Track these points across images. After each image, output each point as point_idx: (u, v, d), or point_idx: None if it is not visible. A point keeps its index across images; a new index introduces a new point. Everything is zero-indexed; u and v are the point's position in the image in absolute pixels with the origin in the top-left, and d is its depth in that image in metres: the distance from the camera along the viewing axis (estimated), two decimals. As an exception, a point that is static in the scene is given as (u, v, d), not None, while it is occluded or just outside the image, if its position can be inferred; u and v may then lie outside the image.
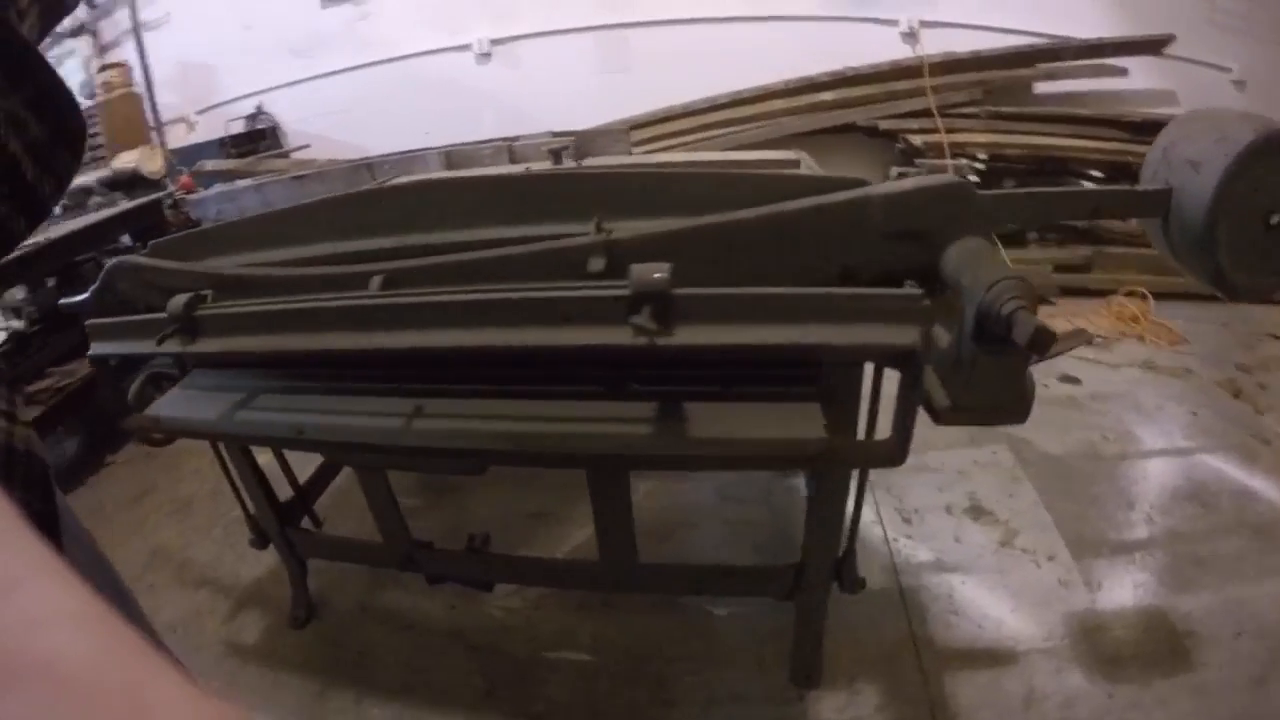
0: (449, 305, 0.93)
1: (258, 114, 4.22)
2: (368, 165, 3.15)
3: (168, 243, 1.34)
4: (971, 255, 0.92)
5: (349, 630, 1.81)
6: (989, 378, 0.91)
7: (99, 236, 2.76)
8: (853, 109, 3.10)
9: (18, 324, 2.56)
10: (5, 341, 2.44)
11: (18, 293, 2.54)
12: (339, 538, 1.80)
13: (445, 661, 1.67)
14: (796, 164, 1.74)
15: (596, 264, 0.94)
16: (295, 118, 4.25)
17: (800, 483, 2.10)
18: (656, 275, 0.78)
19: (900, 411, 0.99)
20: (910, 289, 0.87)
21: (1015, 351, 0.84)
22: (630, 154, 2.83)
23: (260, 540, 1.76)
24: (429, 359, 1.08)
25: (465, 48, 3.67)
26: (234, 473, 1.64)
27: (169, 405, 1.31)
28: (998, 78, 2.97)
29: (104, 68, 3.81)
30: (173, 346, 1.13)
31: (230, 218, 2.91)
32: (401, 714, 1.56)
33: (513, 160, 2.29)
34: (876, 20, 3.12)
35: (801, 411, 0.98)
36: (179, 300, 1.13)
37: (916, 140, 2.88)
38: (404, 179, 1.91)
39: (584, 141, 2.36)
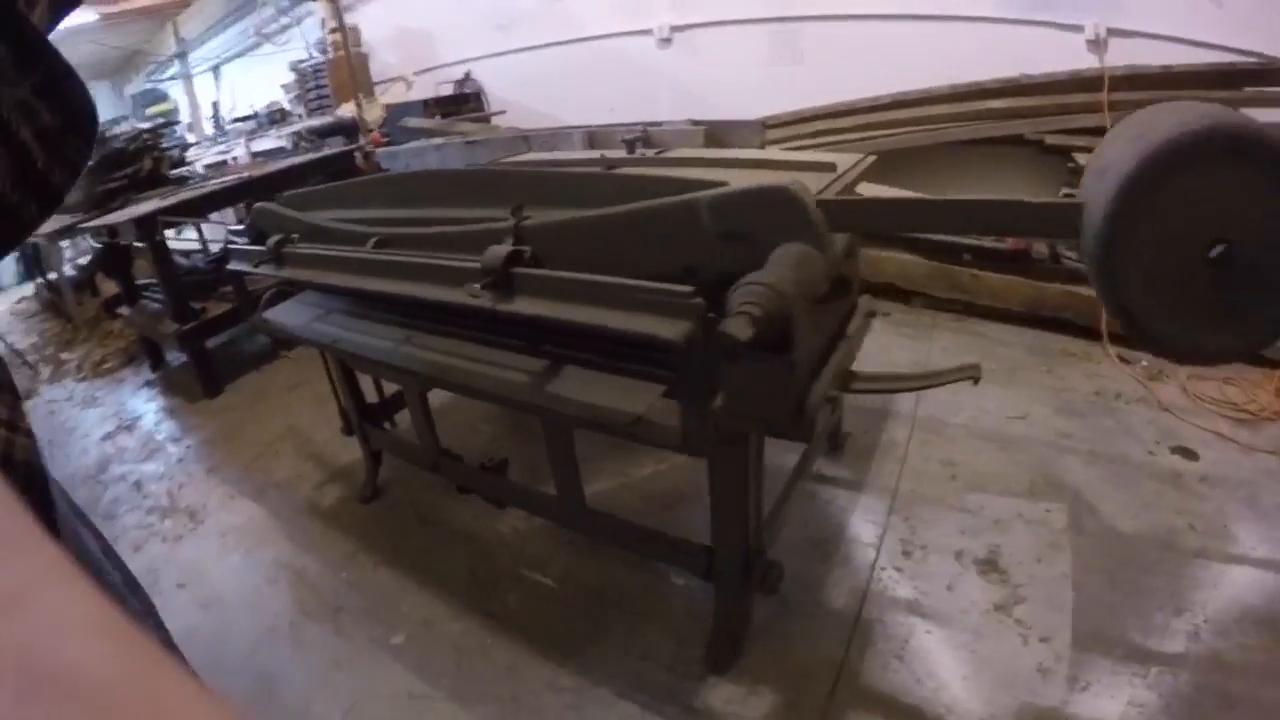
0: (402, 264, 1.32)
1: (466, 79, 5.06)
2: (524, 137, 3.70)
3: (293, 195, 1.92)
4: (776, 259, 0.97)
5: (394, 516, 2.41)
6: (754, 383, 1.01)
7: (298, 176, 3.65)
8: (1021, 120, 2.90)
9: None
10: (218, 252, 3.36)
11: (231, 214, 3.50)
12: (396, 436, 2.36)
13: (449, 553, 2.18)
14: (832, 167, 1.76)
15: (507, 242, 1.26)
16: (498, 85, 5.03)
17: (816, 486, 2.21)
18: (498, 255, 1.08)
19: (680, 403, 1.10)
20: (680, 287, 1.01)
21: (772, 359, 0.95)
22: (759, 146, 3.01)
23: (346, 428, 2.39)
24: (409, 301, 1.48)
25: (648, 32, 4.07)
26: (333, 372, 2.25)
27: (276, 312, 1.91)
28: (1192, 98, 2.56)
29: (334, 30, 4.86)
30: (266, 270, 1.68)
31: (413, 167, 3.68)
32: (401, 579, 2.10)
33: (592, 145, 2.63)
34: (1058, 25, 2.87)
35: (643, 390, 1.19)
36: (275, 239, 1.68)
37: (1085, 160, 2.63)
38: (413, 169, 2.29)
39: (712, 132, 2.63)
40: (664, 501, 2.25)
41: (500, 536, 2.22)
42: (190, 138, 7.58)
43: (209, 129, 7.70)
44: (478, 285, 1.10)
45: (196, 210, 3.21)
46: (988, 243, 3.08)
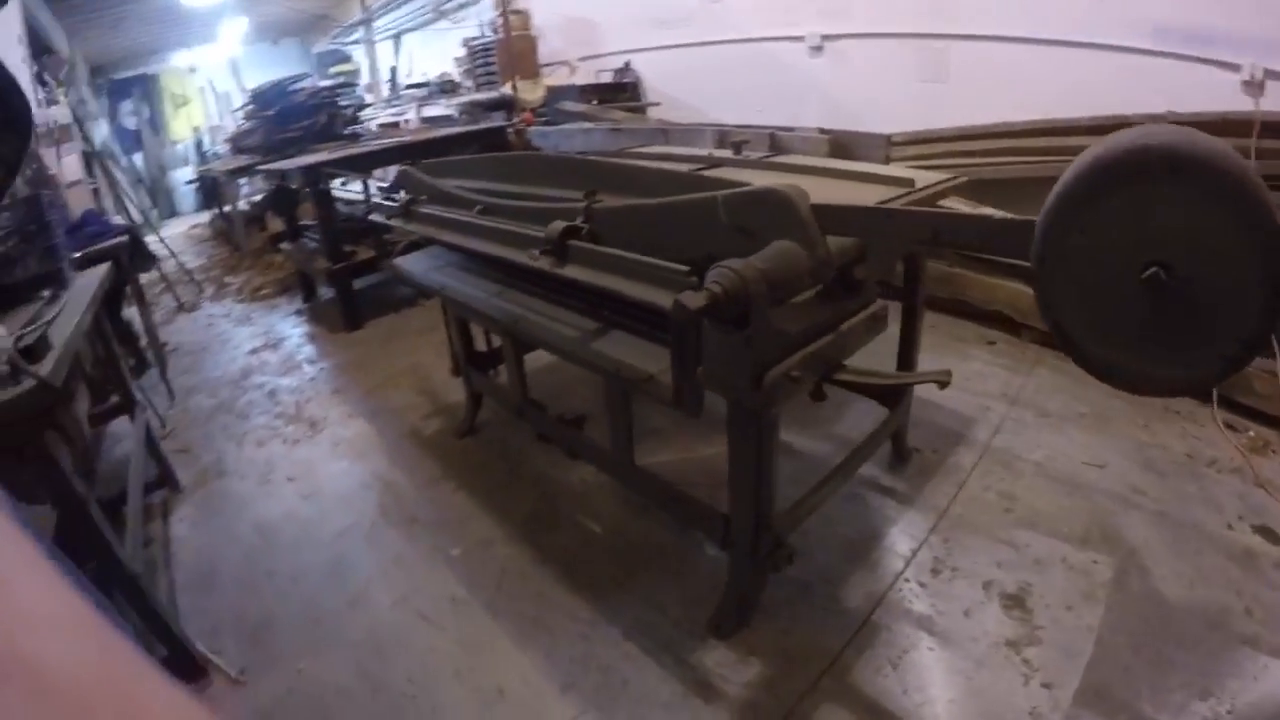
0: (492, 228, 1.63)
1: (625, 69, 5.41)
2: (663, 130, 3.99)
3: (431, 163, 2.30)
4: (762, 251, 1.12)
5: (481, 451, 2.80)
6: (722, 353, 1.17)
7: (452, 145, 4.14)
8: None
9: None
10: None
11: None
12: (495, 383, 2.72)
13: (519, 490, 2.54)
14: (910, 183, 1.83)
15: (578, 219, 1.52)
16: (655, 77, 5.34)
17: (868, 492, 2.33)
18: (557, 228, 1.35)
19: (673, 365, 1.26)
20: (679, 267, 1.22)
21: (734, 333, 1.11)
22: (883, 160, 3.10)
23: (455, 369, 2.79)
24: (499, 260, 1.79)
25: (800, 39, 4.21)
26: (449, 319, 2.64)
27: (404, 260, 2.30)
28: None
29: (504, 11, 5.35)
30: (397, 223, 2.07)
31: (561, 148, 4.08)
32: (473, 504, 2.48)
33: (722, 144, 2.84)
34: (1214, 63, 2.71)
35: (660, 354, 1.41)
36: (405, 197, 2.05)
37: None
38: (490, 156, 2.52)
39: (837, 142, 2.82)
40: (719, 479, 2.44)
41: (567, 484, 2.53)
42: (369, 98, 8.57)
43: (386, 92, 8.66)
44: (538, 251, 1.38)
45: (357, 166, 3.77)
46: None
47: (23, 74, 4.79)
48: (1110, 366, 0.99)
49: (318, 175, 3.57)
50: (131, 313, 3.72)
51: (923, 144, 3.52)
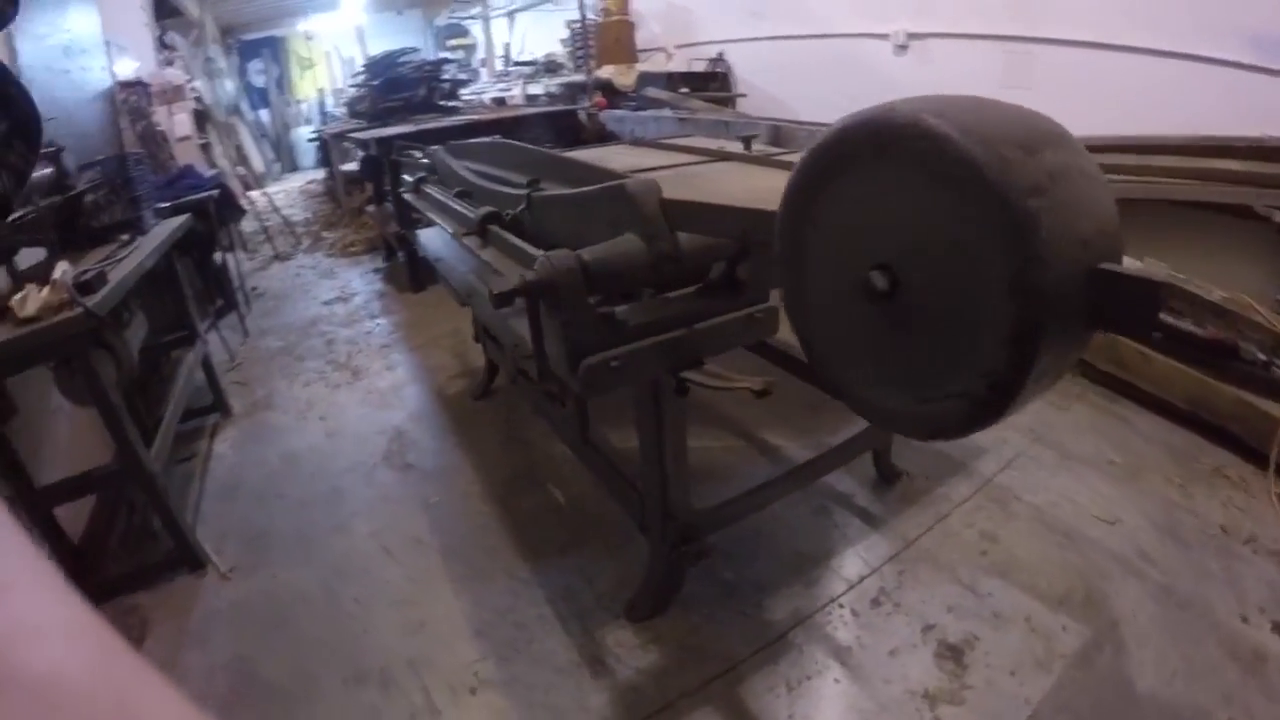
0: (450, 208, 1.90)
1: (718, 59, 5.57)
2: (725, 122, 4.14)
3: (454, 144, 2.60)
4: (602, 244, 1.27)
5: (488, 414, 3.15)
6: (550, 335, 1.32)
7: (523, 125, 4.47)
8: (1252, 189, 2.59)
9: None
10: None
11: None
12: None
13: (507, 454, 2.87)
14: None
15: (522, 205, 1.76)
16: (745, 69, 5.47)
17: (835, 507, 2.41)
18: (480, 213, 1.60)
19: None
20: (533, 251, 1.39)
21: (553, 317, 1.27)
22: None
23: (475, 335, 3.13)
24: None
25: (885, 37, 4.21)
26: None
27: (423, 232, 2.62)
28: None
29: None
30: (409, 198, 2.39)
31: (635, 134, 4.34)
32: (465, 459, 2.83)
33: (778, 141, 3.00)
34: None
35: None
36: (418, 175, 2.37)
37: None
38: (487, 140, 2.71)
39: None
40: (697, 475, 2.61)
41: (549, 455, 2.78)
42: (483, 73, 9.21)
43: (499, 67, 9.25)
44: (464, 231, 1.63)
45: (428, 140, 4.18)
46: (1186, 324, 2.83)
47: (144, 38, 5.64)
48: (841, 387, 0.90)
49: (389, 147, 4.01)
50: (227, 259, 4.36)
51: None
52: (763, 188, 1.37)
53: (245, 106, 10.69)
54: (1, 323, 1.80)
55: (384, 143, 4.07)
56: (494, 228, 1.64)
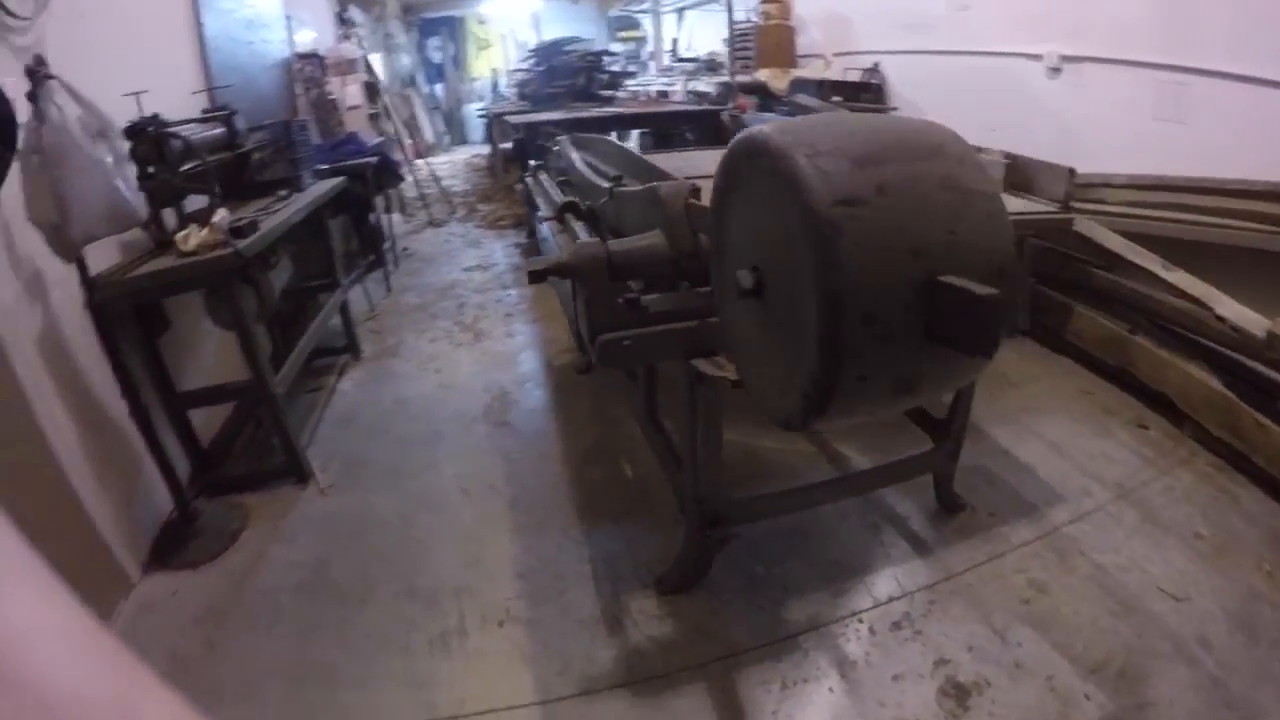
0: (545, 196, 2.14)
1: (873, 70, 5.49)
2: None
3: (576, 136, 2.83)
4: (630, 237, 1.44)
5: (586, 386, 3.42)
6: (579, 311, 1.51)
7: (666, 121, 4.65)
8: None
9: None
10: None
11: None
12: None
13: (593, 425, 3.11)
14: None
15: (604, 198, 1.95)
16: (900, 81, 5.37)
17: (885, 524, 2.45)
18: (560, 202, 1.81)
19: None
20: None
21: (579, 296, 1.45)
22: (1062, 197, 3.00)
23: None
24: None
25: (1038, 58, 4.03)
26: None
27: (538, 215, 2.89)
28: None
29: (767, 1, 5.70)
30: (529, 181, 2.66)
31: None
32: (555, 425, 3.13)
33: None
34: None
35: None
36: (534, 162, 2.63)
37: None
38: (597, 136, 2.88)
39: (1015, 167, 2.95)
40: (739, 472, 2.73)
41: (628, 433, 2.94)
42: (651, 66, 9.51)
43: (665, 62, 9.51)
44: (547, 216, 1.86)
45: (571, 128, 4.49)
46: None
47: (325, 13, 6.29)
48: (742, 376, 1.00)
49: (535, 130, 4.35)
50: (382, 220, 4.90)
51: (1138, 189, 3.27)
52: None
53: (421, 80, 11.66)
54: (166, 254, 2.26)
55: (531, 126, 4.42)
56: (569, 216, 1.86)
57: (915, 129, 0.85)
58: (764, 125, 0.87)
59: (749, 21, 6.54)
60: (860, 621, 2.02)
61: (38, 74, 1.72)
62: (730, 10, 5.92)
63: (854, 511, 2.48)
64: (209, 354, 2.89)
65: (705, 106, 5.21)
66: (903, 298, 0.71)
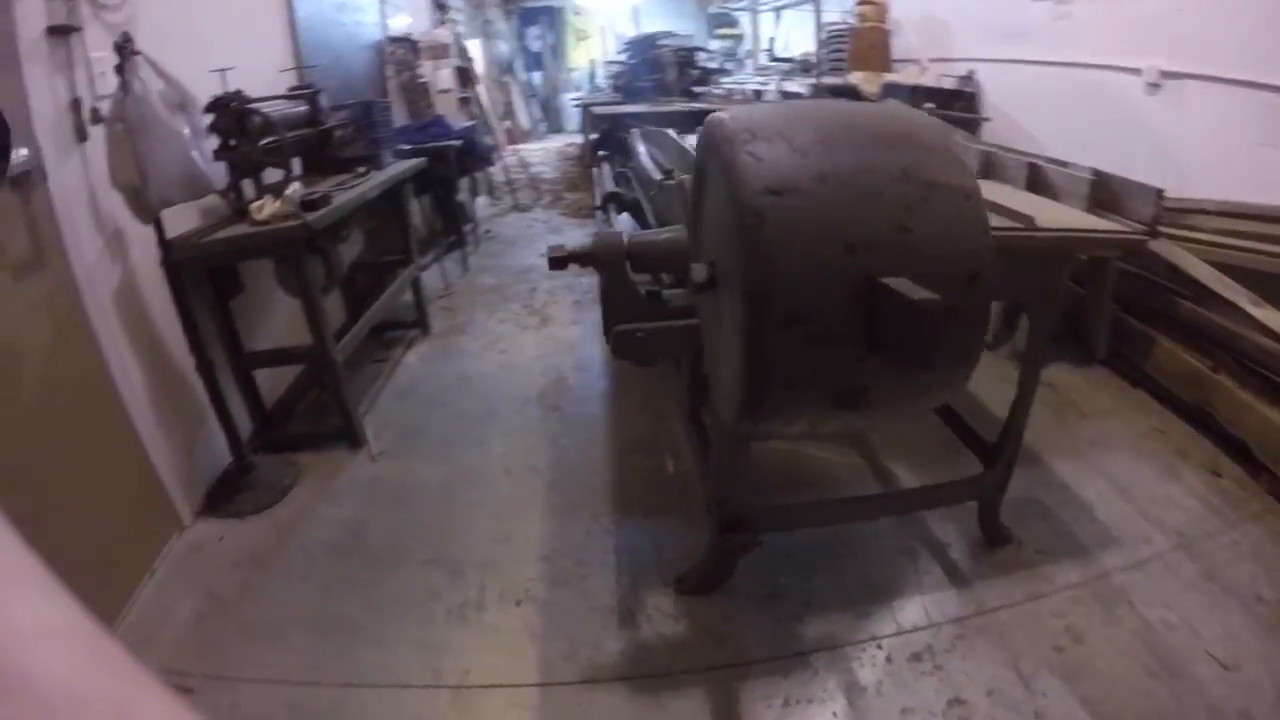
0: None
1: (968, 78, 5.26)
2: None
3: (646, 130, 2.85)
4: (652, 230, 1.45)
5: (642, 381, 3.37)
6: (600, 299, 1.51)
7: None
8: None
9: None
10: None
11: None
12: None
13: (641, 417, 3.12)
14: (1030, 220, 1.88)
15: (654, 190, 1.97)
16: (995, 91, 5.14)
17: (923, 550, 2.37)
18: (607, 191, 1.84)
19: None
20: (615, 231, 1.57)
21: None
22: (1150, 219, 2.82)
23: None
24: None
25: (1137, 72, 3.77)
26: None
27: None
28: None
29: (863, 1, 5.53)
30: (593, 171, 2.71)
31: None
32: (610, 412, 3.18)
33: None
34: None
35: None
36: (603, 153, 2.67)
37: None
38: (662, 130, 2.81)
39: (1100, 184, 2.94)
40: (781, 478, 2.69)
41: (674, 429, 2.95)
42: (748, 64, 9.41)
43: (762, 61, 9.38)
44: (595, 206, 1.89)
45: (650, 122, 4.50)
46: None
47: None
48: (708, 369, 1.01)
49: (616, 122, 4.39)
50: (465, 201, 5.06)
51: (1232, 218, 3.03)
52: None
53: (519, 67, 11.90)
54: (241, 222, 2.40)
55: (613, 117, 4.45)
56: (611, 206, 1.89)
57: (886, 115, 0.79)
58: (725, 110, 0.84)
59: (844, 23, 6.39)
60: (879, 647, 1.95)
61: (124, 49, 1.89)
62: (818, 10, 5.79)
63: (892, 532, 2.40)
64: (281, 319, 3.06)
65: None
66: (836, 298, 0.64)
